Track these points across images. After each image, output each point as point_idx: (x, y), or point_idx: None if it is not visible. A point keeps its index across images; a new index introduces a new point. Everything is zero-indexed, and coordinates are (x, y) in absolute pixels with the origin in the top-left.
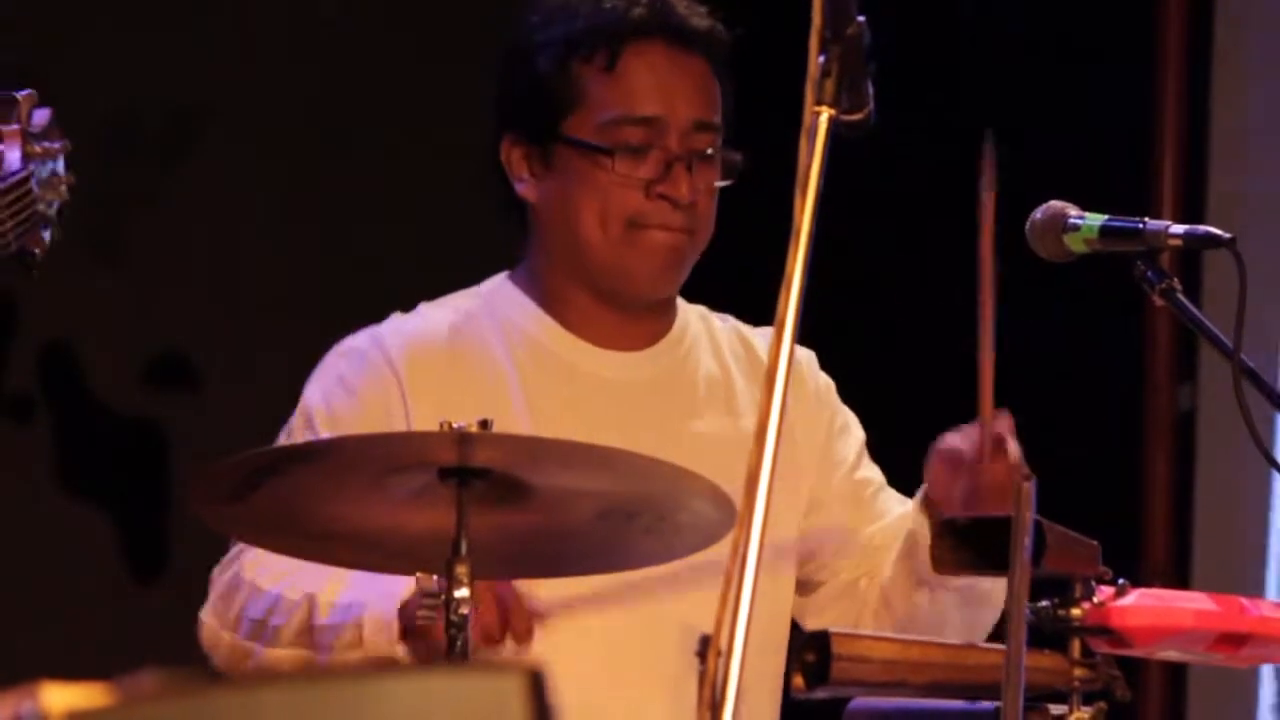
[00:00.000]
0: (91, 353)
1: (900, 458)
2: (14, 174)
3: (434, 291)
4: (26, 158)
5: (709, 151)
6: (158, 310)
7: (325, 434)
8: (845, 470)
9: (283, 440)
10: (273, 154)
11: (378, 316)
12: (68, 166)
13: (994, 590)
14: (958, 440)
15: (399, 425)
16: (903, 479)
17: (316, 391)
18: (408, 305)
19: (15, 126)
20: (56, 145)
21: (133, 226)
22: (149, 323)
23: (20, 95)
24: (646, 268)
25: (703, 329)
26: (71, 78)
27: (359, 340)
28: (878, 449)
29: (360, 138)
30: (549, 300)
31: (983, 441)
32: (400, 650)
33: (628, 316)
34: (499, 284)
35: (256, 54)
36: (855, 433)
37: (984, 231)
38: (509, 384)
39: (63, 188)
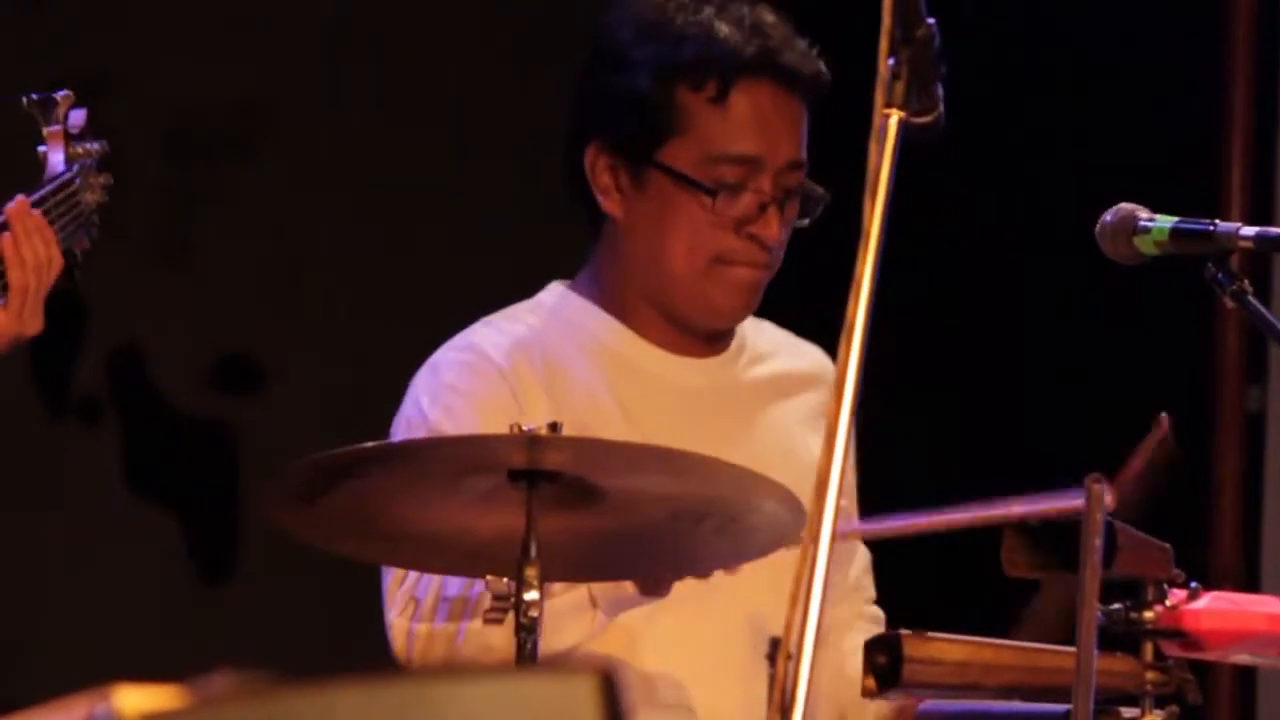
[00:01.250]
0: (160, 355)
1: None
2: (60, 176)
3: (501, 290)
4: (70, 159)
5: (797, 187)
6: (226, 312)
7: None
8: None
9: None
10: (339, 153)
11: (445, 316)
12: (104, 167)
13: None
14: None
15: None
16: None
17: (432, 404)
18: (474, 304)
19: (58, 128)
20: (95, 146)
21: (200, 228)
22: (217, 324)
23: (59, 95)
24: (727, 302)
25: (760, 340)
26: (138, 78)
27: (456, 354)
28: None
29: (426, 137)
30: (617, 308)
31: None
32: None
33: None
34: (561, 294)
35: (322, 52)
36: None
37: None
38: (601, 393)
39: (100, 189)
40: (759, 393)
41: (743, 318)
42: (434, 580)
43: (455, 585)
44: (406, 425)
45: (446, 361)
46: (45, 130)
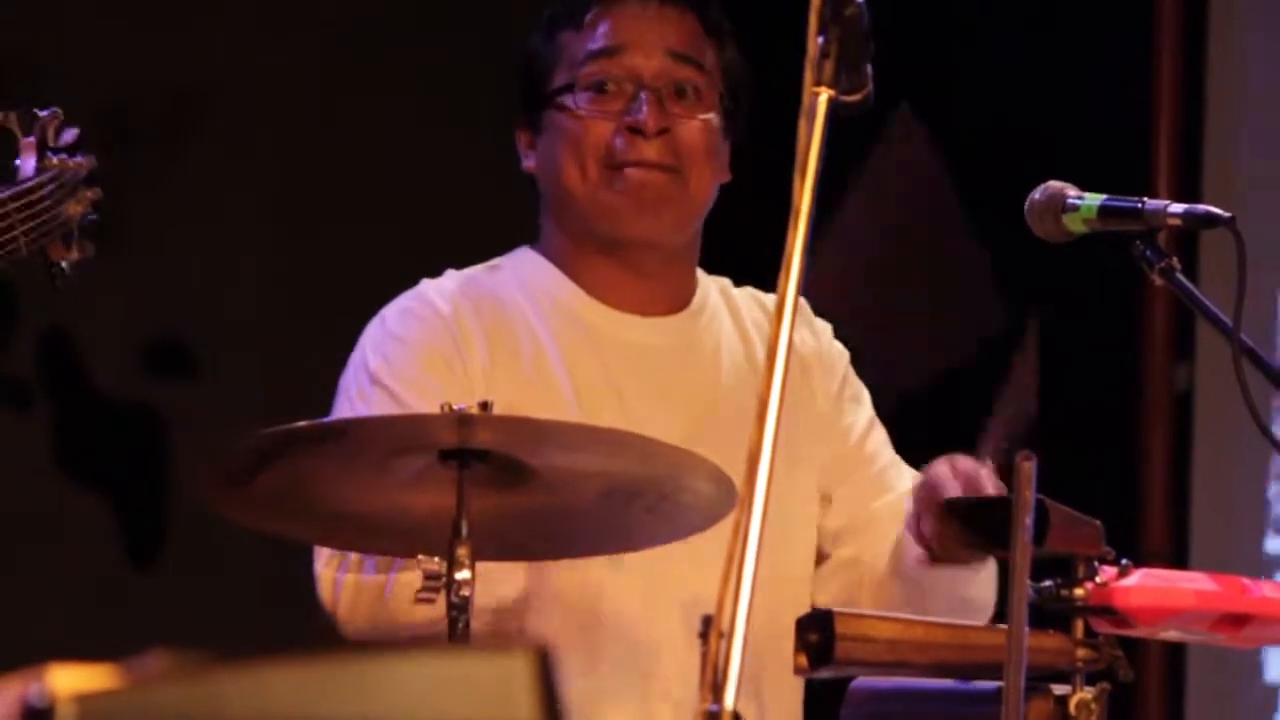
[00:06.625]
0: (91, 339)
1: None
2: (26, 180)
3: (436, 275)
4: (42, 169)
5: (693, 87)
6: (157, 296)
7: (399, 390)
8: (854, 440)
9: (344, 407)
10: (272, 138)
11: (378, 302)
12: (92, 182)
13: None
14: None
15: (460, 379)
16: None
17: (373, 353)
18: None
19: (32, 139)
20: (81, 160)
21: (132, 212)
22: (148, 308)
23: (44, 114)
24: (627, 207)
25: (722, 300)
26: (70, 63)
27: (403, 302)
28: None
29: (361, 121)
30: (568, 266)
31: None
32: None
33: (645, 281)
34: (521, 253)
35: (256, 37)
36: (866, 405)
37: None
38: (547, 349)
39: (88, 202)
40: (719, 354)
41: (654, 228)
42: None
43: None
44: (352, 371)
45: (393, 310)
46: (22, 140)
